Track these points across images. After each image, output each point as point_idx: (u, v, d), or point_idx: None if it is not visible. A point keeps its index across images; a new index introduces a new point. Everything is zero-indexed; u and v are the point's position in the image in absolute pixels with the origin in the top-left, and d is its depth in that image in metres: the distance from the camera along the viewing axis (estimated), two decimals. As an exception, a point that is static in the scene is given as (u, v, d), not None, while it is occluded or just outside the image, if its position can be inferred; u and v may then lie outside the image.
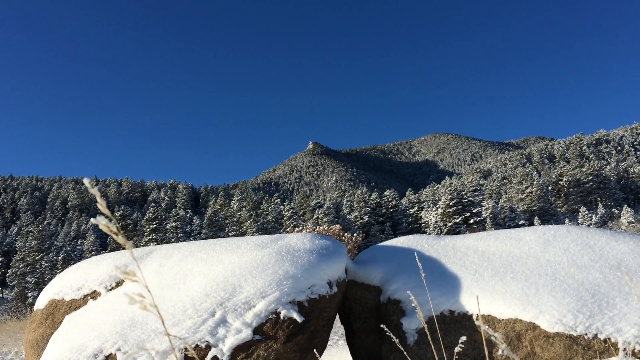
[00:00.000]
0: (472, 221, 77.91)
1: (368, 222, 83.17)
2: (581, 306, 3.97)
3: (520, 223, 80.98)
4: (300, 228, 33.43)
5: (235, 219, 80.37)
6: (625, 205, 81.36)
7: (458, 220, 78.40)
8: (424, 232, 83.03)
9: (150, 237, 67.84)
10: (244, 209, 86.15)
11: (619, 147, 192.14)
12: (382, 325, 3.15)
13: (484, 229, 74.30)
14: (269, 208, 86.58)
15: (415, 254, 5.40)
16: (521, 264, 4.69)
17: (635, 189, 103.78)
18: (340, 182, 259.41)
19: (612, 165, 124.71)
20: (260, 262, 4.75)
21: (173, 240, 65.44)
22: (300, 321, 4.28)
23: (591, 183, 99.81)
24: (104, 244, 78.30)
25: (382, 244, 5.91)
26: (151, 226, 69.92)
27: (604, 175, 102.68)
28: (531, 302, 4.16)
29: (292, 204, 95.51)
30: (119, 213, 76.91)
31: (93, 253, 67.59)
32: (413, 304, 4.75)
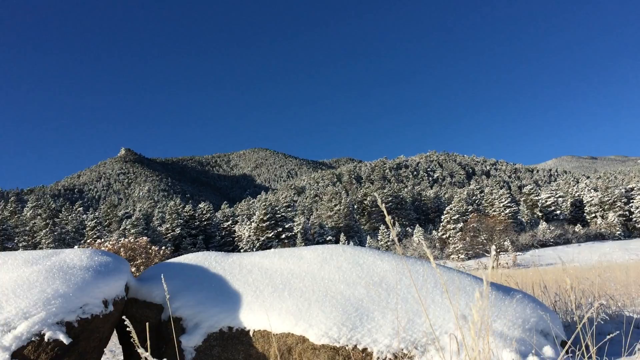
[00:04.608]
0: (284, 236, 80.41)
1: (180, 234, 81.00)
2: (345, 319, 4.34)
3: (328, 239, 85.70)
4: (103, 240, 31.22)
5: (27, 228, 72.18)
6: (417, 225, 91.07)
7: (271, 235, 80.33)
8: (237, 246, 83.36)
9: None
10: (39, 217, 77.73)
11: (415, 172, 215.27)
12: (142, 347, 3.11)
13: (295, 244, 77.17)
14: (70, 217, 79.48)
15: (201, 271, 5.46)
16: (299, 281, 4.99)
17: (426, 210, 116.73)
18: (154, 192, 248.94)
19: (409, 188, 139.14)
20: (27, 280, 4.36)
21: (-53, 251, 56.39)
22: (67, 343, 4.02)
23: (391, 203, 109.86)
24: None
25: (169, 260, 5.84)
26: None
27: (401, 197, 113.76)
28: (303, 317, 4.43)
29: (97, 214, 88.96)
30: None
31: None
32: (193, 322, 4.77)
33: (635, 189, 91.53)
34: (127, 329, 2.46)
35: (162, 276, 4.60)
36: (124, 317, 2.74)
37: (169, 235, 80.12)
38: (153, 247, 30.52)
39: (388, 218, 1.67)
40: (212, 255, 5.70)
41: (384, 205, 1.57)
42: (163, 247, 32.28)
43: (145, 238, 31.19)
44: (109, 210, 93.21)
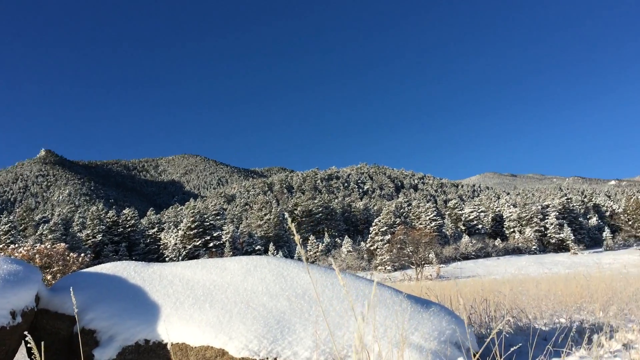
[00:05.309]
0: (212, 245, 78.99)
1: (101, 241, 77.75)
2: (266, 332, 4.31)
3: (257, 248, 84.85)
4: (17, 245, 29.53)
5: None
6: (346, 236, 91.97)
7: (198, 244, 78.69)
8: (162, 254, 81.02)
9: None
10: (-54, 219, 72.44)
11: (346, 184, 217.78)
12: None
13: (223, 253, 75.99)
14: (-19, 220, 74.51)
15: (119, 281, 5.27)
16: (221, 292, 4.91)
17: (355, 221, 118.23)
18: (75, 196, 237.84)
19: (340, 199, 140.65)
20: None
21: None
22: (-32, 357, 3.77)
23: (321, 214, 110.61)
24: None
25: (86, 270, 5.60)
26: None
27: (331, 207, 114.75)
28: (223, 330, 4.37)
29: (12, 217, 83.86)
30: None
31: None
32: (107, 334, 4.59)
33: (550, 206, 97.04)
34: (28, 345, 2.33)
35: (71, 288, 4.39)
36: (35, 328, 2.60)
37: (89, 241, 76.73)
38: (71, 254, 29.20)
39: (297, 237, 1.67)
40: (131, 265, 5.52)
41: (293, 224, 1.58)
42: (82, 254, 30.94)
43: (63, 244, 29.79)
44: (25, 214, 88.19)
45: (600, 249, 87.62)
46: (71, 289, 3.40)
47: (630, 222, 76.64)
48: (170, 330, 4.47)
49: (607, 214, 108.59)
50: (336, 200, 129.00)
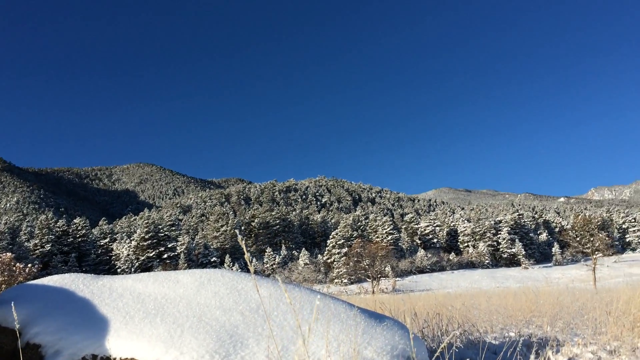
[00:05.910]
0: (166, 256, 77.52)
1: (50, 251, 75.13)
2: (219, 347, 4.25)
3: (212, 260, 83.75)
4: (-42, 255, 28.19)
5: None
6: (304, 249, 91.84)
7: (152, 255, 77.10)
8: (114, 265, 78.89)
9: None
10: None
11: (304, 196, 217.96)
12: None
13: (177, 265, 74.60)
14: None
15: (66, 294, 5.11)
16: (173, 306, 4.82)
17: (313, 234, 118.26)
18: (23, 205, 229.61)
19: (298, 211, 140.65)
20: None
21: None
22: None
23: (278, 226, 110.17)
24: None
25: (32, 282, 5.41)
26: None
27: (289, 220, 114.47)
28: (175, 344, 4.28)
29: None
30: None
31: None
32: (53, 349, 4.43)
33: (503, 221, 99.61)
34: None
35: (14, 301, 4.23)
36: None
37: (37, 251, 74.03)
38: (18, 264, 28.10)
39: (247, 255, 1.67)
40: (80, 278, 5.36)
41: (243, 240, 1.58)
42: (30, 265, 29.83)
43: (9, 254, 28.65)
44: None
45: (550, 264, 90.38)
46: (12, 305, 3.28)
47: (577, 239, 79.35)
48: (119, 345, 4.36)
49: (557, 230, 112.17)
50: (294, 213, 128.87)
